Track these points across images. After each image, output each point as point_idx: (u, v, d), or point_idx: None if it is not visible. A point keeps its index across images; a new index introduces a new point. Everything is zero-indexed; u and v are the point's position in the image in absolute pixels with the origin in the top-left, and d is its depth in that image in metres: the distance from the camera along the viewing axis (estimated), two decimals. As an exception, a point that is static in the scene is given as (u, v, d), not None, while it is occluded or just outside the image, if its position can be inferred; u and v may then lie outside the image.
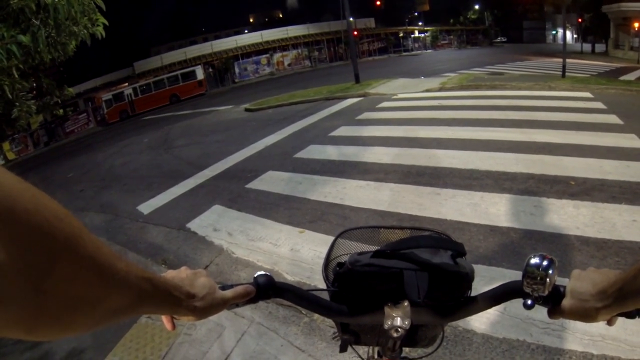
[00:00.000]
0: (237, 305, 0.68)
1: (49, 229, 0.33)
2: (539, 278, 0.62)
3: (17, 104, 4.27)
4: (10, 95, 3.83)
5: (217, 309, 0.62)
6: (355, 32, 22.11)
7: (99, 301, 0.39)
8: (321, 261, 0.88)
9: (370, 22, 41.93)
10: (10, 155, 19.86)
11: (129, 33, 38.06)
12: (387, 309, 0.70)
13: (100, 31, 3.86)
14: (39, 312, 0.33)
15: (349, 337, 0.85)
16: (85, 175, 9.35)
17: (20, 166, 16.34)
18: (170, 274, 0.62)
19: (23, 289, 0.31)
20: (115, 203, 6.23)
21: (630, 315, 0.60)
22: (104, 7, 3.73)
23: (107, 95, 25.29)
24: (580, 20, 33.91)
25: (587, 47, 33.81)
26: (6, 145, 19.67)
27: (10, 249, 0.30)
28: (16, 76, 3.75)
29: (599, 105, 7.37)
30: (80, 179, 9.06)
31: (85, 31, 3.74)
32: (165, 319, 0.64)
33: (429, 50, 42.92)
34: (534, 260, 0.62)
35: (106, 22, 3.89)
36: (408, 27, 45.45)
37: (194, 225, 4.54)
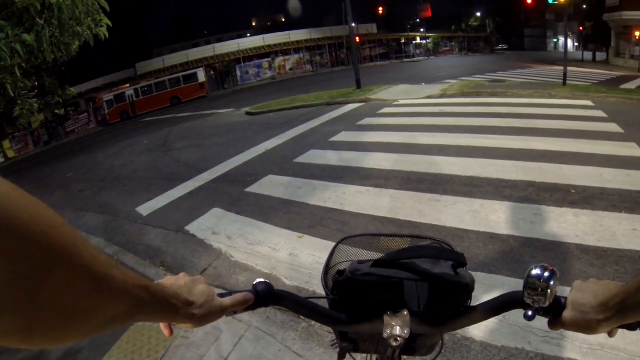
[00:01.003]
0: (236, 313, 0.68)
1: (44, 239, 0.32)
2: (540, 289, 0.62)
3: (19, 102, 4.28)
4: (12, 94, 3.84)
5: (215, 316, 0.62)
6: (358, 38, 22.24)
7: (95, 310, 0.38)
8: (320, 266, 0.87)
9: (373, 28, 42.09)
10: (10, 154, 19.87)
11: (132, 34, 38.19)
12: (386, 318, 0.70)
13: (103, 32, 3.88)
14: (34, 322, 0.33)
15: (347, 345, 0.85)
16: (85, 175, 9.34)
17: (20, 165, 16.34)
18: (168, 281, 0.61)
19: (17, 299, 0.31)
20: (114, 204, 6.22)
21: (631, 327, 0.60)
22: (108, 8, 3.75)
23: (108, 96, 25.31)
24: (581, 28, 34.08)
25: (588, 55, 33.91)
26: (6, 144, 19.69)
27: (4, 259, 0.29)
28: (19, 75, 3.75)
29: (600, 113, 7.39)
30: (79, 179, 9.05)
31: (89, 32, 3.76)
32: (163, 326, 0.64)
33: (430, 57, 43.08)
34: (536, 272, 0.62)
35: (110, 23, 3.91)
36: (410, 34, 45.63)
37: (193, 228, 4.53)
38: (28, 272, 0.31)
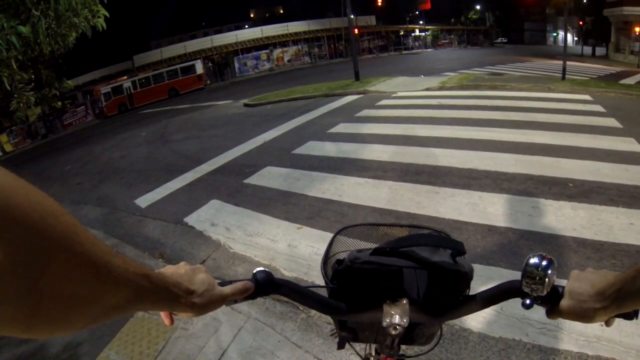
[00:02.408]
0: (236, 302, 0.68)
1: (44, 227, 0.32)
2: (538, 278, 0.62)
3: (16, 95, 4.25)
4: (9, 87, 3.81)
5: (215, 305, 0.62)
6: (356, 30, 22.10)
7: (95, 299, 0.38)
8: (318, 257, 0.88)
9: (371, 20, 41.79)
10: (8, 147, 19.78)
11: (130, 25, 37.84)
12: (385, 307, 0.70)
13: (100, 23, 3.84)
14: (35, 311, 0.32)
15: (347, 334, 0.86)
16: (83, 168, 9.32)
17: (18, 158, 16.28)
18: (169, 270, 0.62)
19: (17, 288, 0.31)
20: (113, 196, 6.22)
21: (628, 316, 0.61)
22: (105, -2, 3.71)
23: (105, 88, 25.10)
24: (581, 23, 33.93)
25: (587, 50, 33.78)
26: (4, 137, 19.59)
27: (4, 247, 0.29)
28: (15, 67, 3.72)
29: (598, 108, 7.38)
30: (77, 171, 9.03)
31: (86, 23, 3.71)
32: (163, 315, 0.64)
33: (429, 49, 42.87)
34: (534, 260, 0.62)
35: (107, 14, 3.86)
36: (409, 26, 45.31)
37: (192, 219, 4.53)
38: (28, 260, 0.31)
